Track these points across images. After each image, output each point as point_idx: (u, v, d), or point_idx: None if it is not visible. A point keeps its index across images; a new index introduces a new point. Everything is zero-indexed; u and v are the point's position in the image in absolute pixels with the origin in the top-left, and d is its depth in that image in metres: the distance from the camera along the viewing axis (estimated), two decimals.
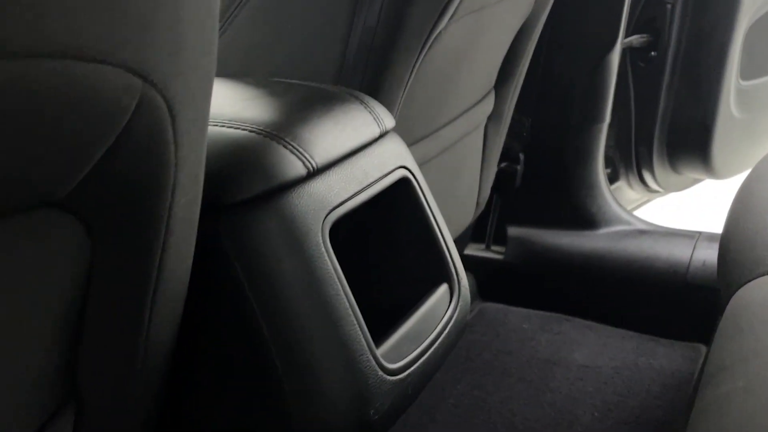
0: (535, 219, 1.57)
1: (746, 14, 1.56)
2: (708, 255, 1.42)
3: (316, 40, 0.84)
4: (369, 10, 0.81)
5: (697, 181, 1.79)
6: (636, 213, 1.88)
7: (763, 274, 0.70)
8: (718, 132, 1.62)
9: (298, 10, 0.84)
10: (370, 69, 0.82)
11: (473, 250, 1.63)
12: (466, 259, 1.62)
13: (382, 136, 0.73)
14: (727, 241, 0.86)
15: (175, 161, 0.44)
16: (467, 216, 1.38)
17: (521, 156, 1.52)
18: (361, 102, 0.73)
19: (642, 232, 1.51)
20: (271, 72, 0.85)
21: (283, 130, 0.63)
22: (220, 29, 0.87)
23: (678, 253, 1.45)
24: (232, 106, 0.67)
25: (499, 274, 1.60)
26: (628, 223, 1.53)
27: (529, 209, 1.57)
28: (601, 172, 1.55)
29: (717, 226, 1.98)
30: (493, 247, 1.62)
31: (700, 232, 1.49)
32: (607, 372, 1.34)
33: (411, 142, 1.05)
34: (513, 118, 1.40)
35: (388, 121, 0.75)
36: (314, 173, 0.63)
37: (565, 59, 1.46)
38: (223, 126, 0.62)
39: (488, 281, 1.60)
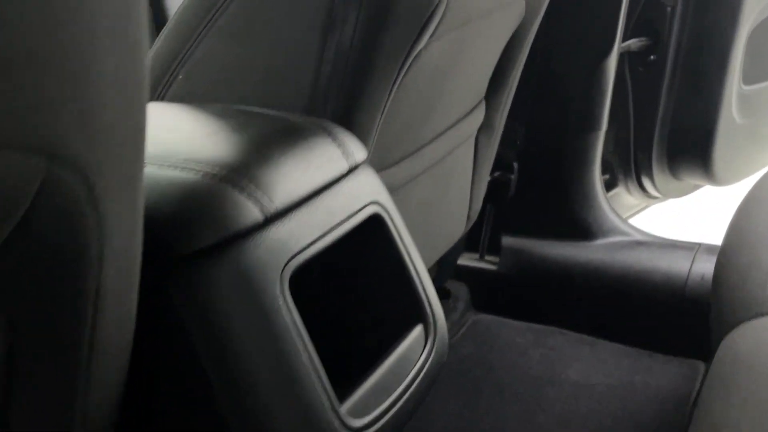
0: (529, 229, 1.53)
1: (749, 17, 1.50)
2: (707, 268, 1.38)
3: (286, 64, 0.80)
4: (342, 33, 0.77)
5: (697, 187, 1.74)
6: (635, 218, 1.84)
7: (756, 316, 0.66)
8: (720, 138, 1.57)
9: (268, 32, 0.80)
10: (343, 94, 0.78)
11: (467, 259, 1.58)
12: (459, 269, 1.58)
13: (351, 170, 0.69)
14: (719, 275, 0.81)
15: (99, 232, 0.40)
16: (458, 229, 1.34)
17: (515, 165, 1.47)
18: (329, 134, 0.69)
19: (639, 244, 1.46)
20: (240, 97, 0.81)
21: (239, 171, 0.59)
22: (186, 51, 0.83)
23: (676, 266, 1.40)
24: (186, 144, 0.63)
25: (492, 285, 1.56)
26: (625, 233, 1.49)
27: (524, 219, 1.53)
28: (597, 181, 1.50)
29: (717, 234, 1.94)
30: (487, 257, 1.58)
31: (699, 244, 1.44)
32: (601, 390, 1.30)
33: (393, 162, 1.00)
34: (506, 126, 1.35)
35: (359, 154, 0.70)
36: (273, 218, 0.59)
37: (561, 65, 1.41)
38: (175, 168, 0.58)
39: (482, 292, 1.56)
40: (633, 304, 1.42)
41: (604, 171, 1.61)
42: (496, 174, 1.48)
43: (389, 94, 0.84)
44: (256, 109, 0.74)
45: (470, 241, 1.57)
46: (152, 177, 0.57)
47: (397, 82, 0.84)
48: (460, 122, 1.17)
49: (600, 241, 1.48)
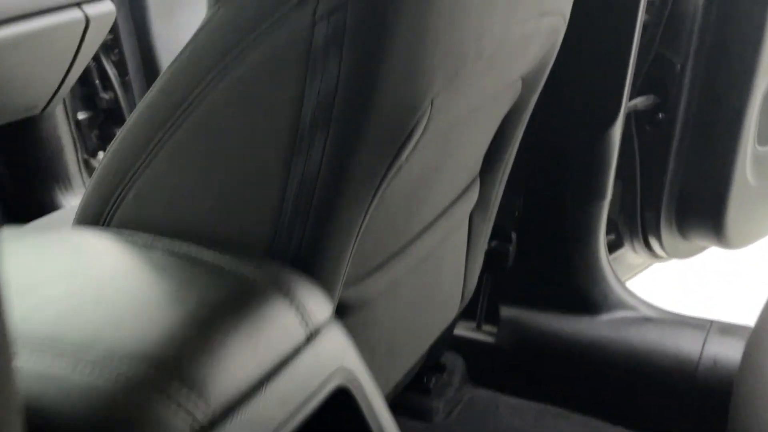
0: (530, 300, 1.43)
1: (765, 75, 1.40)
2: (719, 351, 1.28)
3: (245, 191, 0.70)
4: (308, 159, 0.68)
5: (705, 247, 1.65)
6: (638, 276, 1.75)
7: None
8: (733, 200, 1.47)
9: (226, 154, 0.71)
10: (309, 227, 0.69)
11: (463, 329, 1.49)
12: (455, 339, 1.49)
13: (311, 337, 0.59)
14: (735, 417, 0.72)
15: None
16: (451, 311, 1.25)
17: (513, 235, 1.38)
18: (286, 294, 0.60)
19: (647, 320, 1.37)
20: (194, 224, 0.72)
21: (168, 370, 0.50)
22: (137, 169, 0.74)
23: (686, 347, 1.31)
24: (113, 325, 0.53)
25: (490, 358, 1.47)
26: (632, 308, 1.39)
27: (524, 289, 1.44)
28: (602, 251, 1.40)
29: (723, 298, 1.83)
30: (485, 327, 1.48)
31: (711, 322, 1.35)
32: None
33: (373, 269, 0.91)
34: (503, 197, 1.26)
35: (321, 313, 0.61)
36: (208, 428, 0.49)
37: (562, 133, 1.32)
38: (93, 369, 0.49)
39: (479, 364, 1.47)
40: (640, 386, 1.33)
41: (609, 231, 1.52)
42: (493, 244, 1.38)
43: (364, 217, 0.75)
44: (205, 253, 0.64)
45: (467, 309, 1.48)
46: (64, 382, 0.48)
47: (374, 203, 0.75)
48: (451, 207, 1.07)
49: (605, 316, 1.39)
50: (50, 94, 1.82)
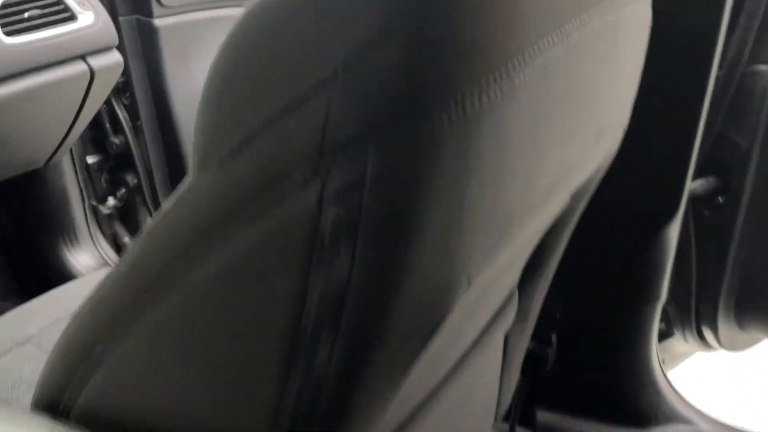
0: (570, 405, 1.28)
1: None
2: None
3: (235, 392, 0.57)
4: (313, 358, 0.54)
5: (760, 339, 1.49)
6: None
7: None
8: None
9: (210, 346, 0.57)
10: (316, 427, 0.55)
11: (495, 431, 1.34)
12: None
13: None
14: None
15: None
16: None
17: (553, 338, 1.23)
18: None
19: None
20: (171, 429, 0.58)
21: None
22: (112, 339, 0.60)
23: None
24: None
25: None
26: (686, 421, 1.24)
27: (564, 393, 1.29)
28: (654, 356, 1.25)
29: None
30: (519, 429, 1.34)
31: None
32: None
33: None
34: (544, 300, 1.11)
35: None
36: None
37: (613, 231, 1.16)
38: None
39: None
40: None
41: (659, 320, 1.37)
42: (531, 345, 1.24)
43: (380, 413, 0.61)
44: None
45: None
46: None
47: (393, 400, 0.61)
48: (484, 335, 0.93)
49: (656, 430, 1.24)
50: (53, 149, 1.71)
